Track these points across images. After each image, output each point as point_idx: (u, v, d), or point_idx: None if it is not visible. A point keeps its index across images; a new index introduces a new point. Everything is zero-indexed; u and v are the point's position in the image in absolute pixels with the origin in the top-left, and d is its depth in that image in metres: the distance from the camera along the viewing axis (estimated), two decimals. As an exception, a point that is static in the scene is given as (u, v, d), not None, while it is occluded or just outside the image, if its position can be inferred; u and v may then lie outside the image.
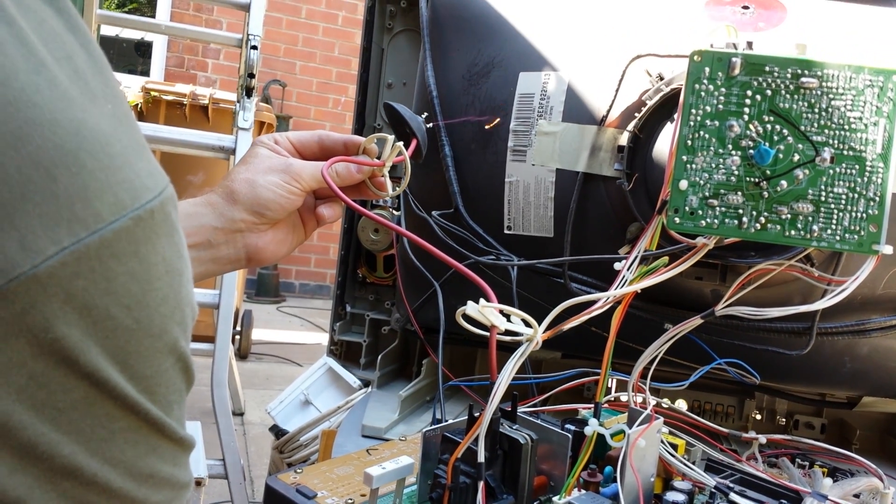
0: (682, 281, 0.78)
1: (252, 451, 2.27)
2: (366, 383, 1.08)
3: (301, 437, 1.32)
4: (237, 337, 3.37)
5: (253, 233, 0.62)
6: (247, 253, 0.62)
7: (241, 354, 3.38)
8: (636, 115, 0.78)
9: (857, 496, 0.65)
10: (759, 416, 1.01)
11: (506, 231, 0.88)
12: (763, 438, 0.72)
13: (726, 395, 1.01)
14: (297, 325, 4.06)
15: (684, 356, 0.81)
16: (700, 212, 0.59)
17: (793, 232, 0.57)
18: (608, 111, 0.81)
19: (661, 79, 0.76)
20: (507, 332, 0.58)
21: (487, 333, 0.56)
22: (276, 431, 1.48)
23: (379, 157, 0.66)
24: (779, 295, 0.79)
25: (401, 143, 0.66)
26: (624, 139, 0.79)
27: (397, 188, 0.68)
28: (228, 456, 1.35)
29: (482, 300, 0.55)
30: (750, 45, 0.67)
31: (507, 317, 0.58)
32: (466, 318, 0.56)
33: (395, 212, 1.02)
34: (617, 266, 0.66)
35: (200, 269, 0.61)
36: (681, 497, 0.56)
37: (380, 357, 0.99)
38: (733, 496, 0.57)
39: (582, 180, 0.82)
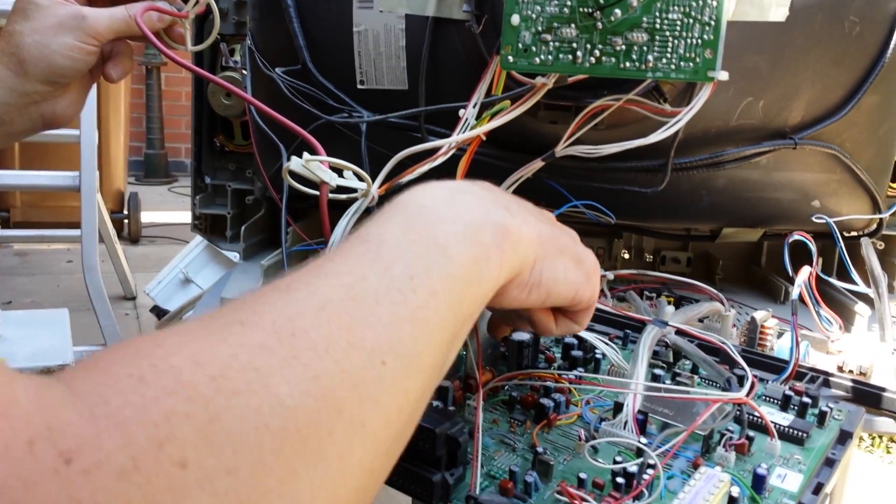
0: (538, 126, 0.76)
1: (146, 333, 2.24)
2: (245, 256, 1.05)
3: (183, 315, 1.28)
4: (125, 221, 3.25)
5: (48, 101, 0.56)
6: (43, 121, 0.57)
7: (132, 238, 3.26)
8: (481, -51, 0.73)
9: (702, 321, 0.68)
10: (627, 255, 1.03)
11: (359, 86, 0.83)
12: (611, 275, 0.73)
13: (595, 238, 1.02)
14: (189, 206, 3.92)
15: (546, 203, 0.81)
16: (534, 48, 0.55)
17: (628, 64, 0.55)
18: (453, -54, 0.75)
19: None
20: (341, 189, 0.55)
21: (318, 193, 0.53)
22: (157, 312, 1.44)
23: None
24: (636, 133, 0.78)
25: None
26: (471, -23, 0.74)
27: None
28: (109, 340, 1.31)
29: (305, 154, 0.51)
30: None
31: (341, 173, 0.55)
32: (294, 175, 0.53)
33: (244, 72, 0.95)
34: (461, 113, 0.63)
35: None
36: (526, 336, 0.56)
37: (243, 228, 0.95)
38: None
39: (432, 26, 0.78)
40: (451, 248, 0.36)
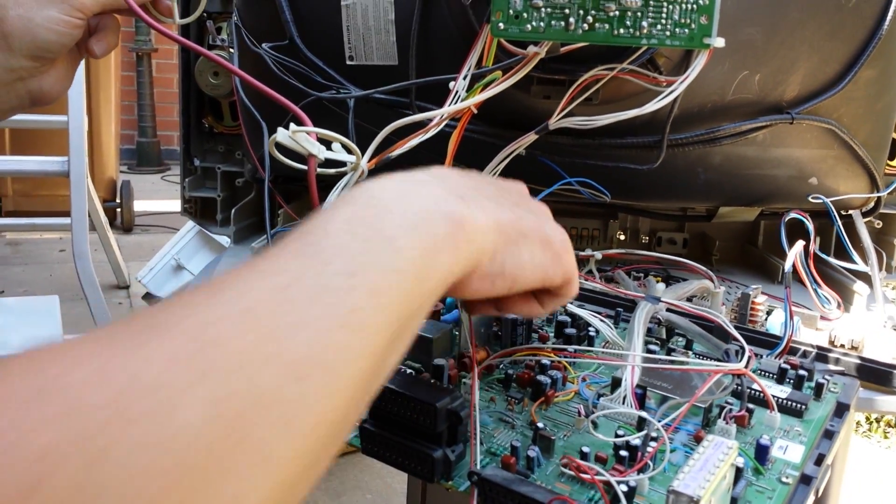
0: (531, 102, 0.75)
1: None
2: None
3: (175, 302, 1.27)
4: (118, 210, 3.22)
5: (35, 77, 0.54)
6: (30, 98, 0.55)
7: (125, 227, 3.24)
8: (471, -82, 0.71)
9: (690, 300, 0.67)
10: (622, 237, 1.02)
11: (348, 62, 0.82)
12: (599, 255, 0.72)
13: (591, 219, 1.01)
14: (183, 194, 3.90)
15: (540, 181, 0.79)
16: (525, 15, 0.54)
17: (621, 30, 0.53)
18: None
19: None
20: (329, 164, 0.53)
21: (306, 167, 0.52)
22: (150, 299, 1.42)
23: None
24: (631, 108, 0.77)
25: None
26: (461, -52, 0.72)
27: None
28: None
29: (292, 125, 0.50)
30: None
31: (329, 145, 0.54)
32: (280, 148, 0.51)
33: (231, 50, 0.93)
34: (451, 85, 0.62)
35: None
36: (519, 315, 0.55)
37: (233, 211, 0.94)
38: (571, 308, 0.56)
39: (422, -1, 0.76)
40: (399, 241, 0.34)
